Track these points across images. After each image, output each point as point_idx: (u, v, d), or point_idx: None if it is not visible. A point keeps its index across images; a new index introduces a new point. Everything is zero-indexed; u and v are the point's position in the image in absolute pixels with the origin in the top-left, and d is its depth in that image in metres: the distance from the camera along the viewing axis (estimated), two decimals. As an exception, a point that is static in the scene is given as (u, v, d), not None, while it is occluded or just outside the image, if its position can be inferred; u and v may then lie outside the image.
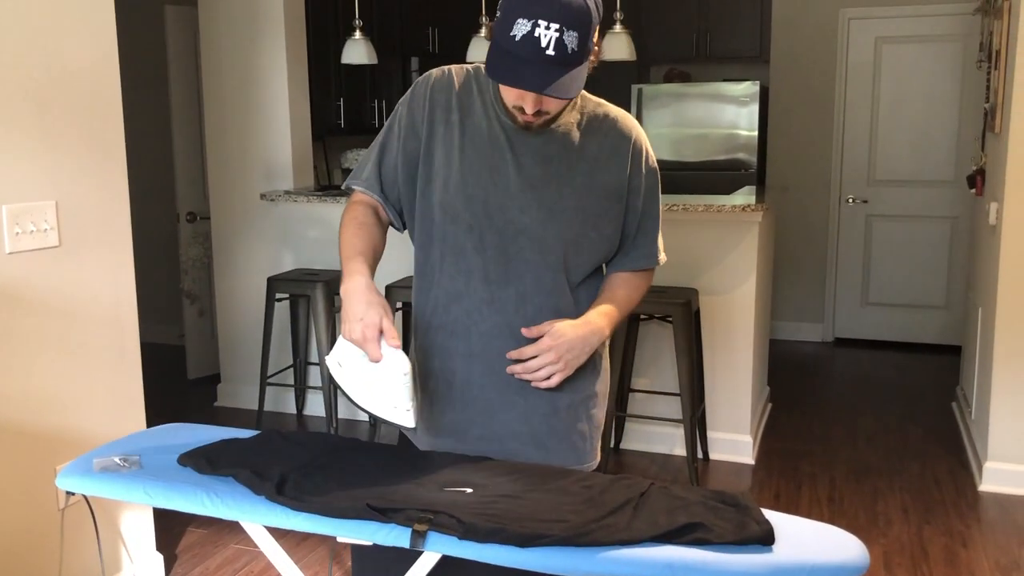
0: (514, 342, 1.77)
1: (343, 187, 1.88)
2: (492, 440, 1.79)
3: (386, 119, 6.06)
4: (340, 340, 1.69)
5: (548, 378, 1.74)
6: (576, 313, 1.81)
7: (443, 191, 1.76)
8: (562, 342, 1.73)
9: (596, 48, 1.64)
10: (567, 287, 1.81)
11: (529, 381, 1.76)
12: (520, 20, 1.54)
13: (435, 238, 1.79)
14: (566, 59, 1.56)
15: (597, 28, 1.62)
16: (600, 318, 1.80)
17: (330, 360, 1.68)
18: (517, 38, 1.55)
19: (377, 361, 1.61)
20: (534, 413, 1.81)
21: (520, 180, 1.75)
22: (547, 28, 1.53)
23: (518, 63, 1.56)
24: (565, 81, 1.57)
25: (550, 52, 1.54)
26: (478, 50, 4.86)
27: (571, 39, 1.55)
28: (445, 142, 1.77)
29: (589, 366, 1.85)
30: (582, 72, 1.61)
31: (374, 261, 1.76)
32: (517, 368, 1.74)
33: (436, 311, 1.82)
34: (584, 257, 1.82)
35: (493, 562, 1.41)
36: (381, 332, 1.61)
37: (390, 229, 1.89)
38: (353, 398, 1.64)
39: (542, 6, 1.53)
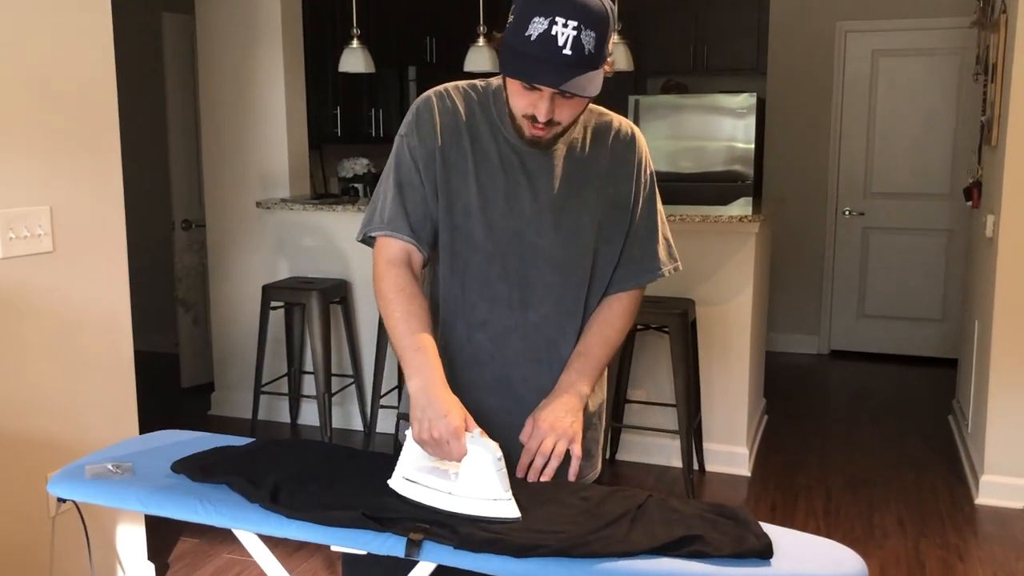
0: (537, 366, 1.76)
1: (358, 239, 1.77)
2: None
3: (383, 128, 6.11)
4: (403, 455, 1.58)
5: (566, 455, 1.68)
6: None
7: (463, 218, 1.72)
8: (544, 426, 1.68)
9: (610, 58, 1.60)
10: (588, 306, 1.79)
11: (565, 476, 1.69)
12: (536, 19, 1.50)
13: (456, 267, 1.74)
14: (583, 60, 1.52)
15: (612, 35, 1.58)
16: (571, 382, 1.75)
17: (395, 482, 1.56)
18: (533, 37, 1.50)
19: (461, 457, 1.52)
20: None
21: (536, 204, 1.71)
22: (564, 26, 1.49)
23: (534, 62, 1.52)
24: (582, 80, 1.53)
25: (567, 52, 1.50)
26: (475, 59, 4.86)
27: (588, 39, 1.51)
28: (459, 169, 1.71)
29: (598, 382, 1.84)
30: (599, 75, 1.57)
31: (434, 343, 1.67)
32: (537, 474, 1.66)
33: (461, 345, 1.77)
34: (600, 271, 1.79)
35: (488, 572, 1.39)
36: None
37: None
38: (441, 508, 1.49)
39: (560, 3, 1.49)
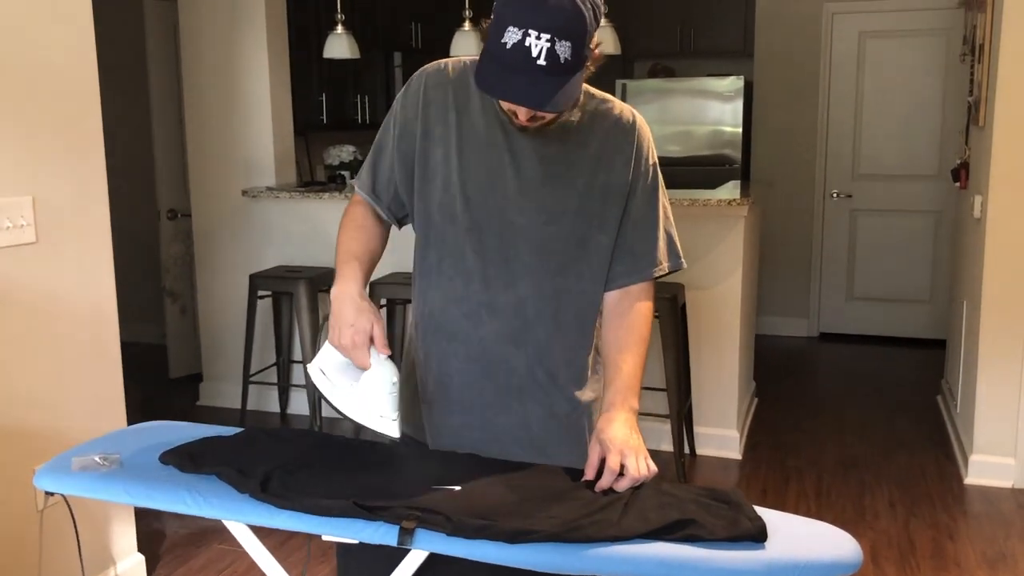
0: (512, 347, 1.73)
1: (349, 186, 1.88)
2: (491, 443, 1.73)
3: (369, 115, 6.08)
4: (325, 347, 1.66)
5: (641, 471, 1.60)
6: (580, 319, 1.77)
7: (442, 192, 1.71)
8: (617, 445, 1.59)
9: (595, 52, 1.56)
10: (572, 292, 1.75)
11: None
12: (511, 28, 1.46)
13: (433, 239, 1.74)
14: (558, 69, 1.48)
15: (594, 34, 1.53)
16: (621, 397, 1.69)
17: (312, 368, 1.65)
18: (508, 46, 1.47)
19: (365, 368, 1.59)
20: (533, 419, 1.76)
21: (518, 182, 1.69)
22: (538, 38, 1.45)
23: (508, 73, 1.48)
24: (558, 94, 1.50)
25: (541, 63, 1.46)
26: (461, 44, 4.83)
27: (563, 49, 1.46)
28: (443, 142, 1.71)
29: (594, 376, 1.82)
30: (577, 81, 1.53)
31: (369, 265, 1.73)
32: (610, 485, 1.58)
33: (433, 314, 1.76)
34: (595, 261, 1.75)
35: (482, 559, 1.38)
36: (371, 340, 1.60)
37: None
38: (336, 406, 1.61)
39: (533, 14, 1.45)
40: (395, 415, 1.59)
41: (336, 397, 1.61)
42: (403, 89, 1.79)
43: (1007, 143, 3.68)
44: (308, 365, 1.68)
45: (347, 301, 1.63)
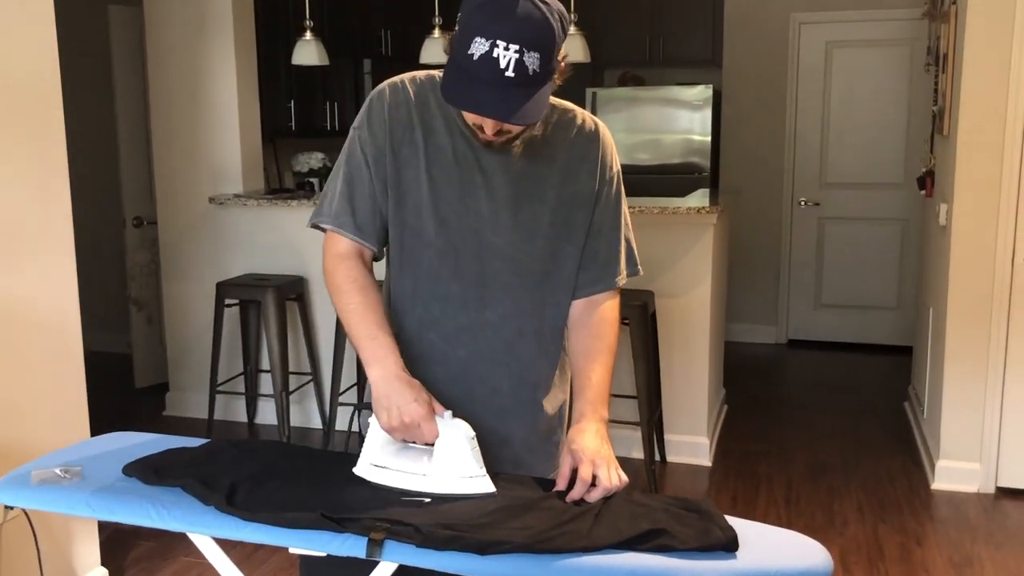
0: (493, 366, 1.72)
1: (309, 224, 1.75)
2: None
3: (339, 122, 6.04)
4: (369, 440, 1.59)
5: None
6: (558, 330, 1.77)
7: (415, 215, 1.67)
8: (588, 456, 1.58)
9: (561, 65, 1.55)
10: (548, 305, 1.74)
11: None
12: (478, 39, 1.44)
13: (407, 264, 1.71)
14: (527, 81, 1.46)
15: (561, 45, 1.52)
16: (592, 407, 1.69)
17: (362, 471, 1.58)
18: (475, 57, 1.45)
19: (433, 440, 1.54)
20: (514, 437, 1.76)
21: (492, 202, 1.67)
22: (506, 49, 1.43)
23: (476, 85, 1.47)
24: (527, 106, 1.48)
25: (509, 74, 1.44)
26: (431, 52, 4.82)
27: (532, 60, 1.45)
28: (411, 164, 1.67)
29: (559, 379, 1.81)
30: (545, 93, 1.52)
31: (392, 333, 1.66)
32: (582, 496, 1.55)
33: (411, 341, 1.73)
34: (566, 271, 1.75)
35: (452, 571, 1.37)
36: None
37: None
38: (414, 489, 1.52)
39: (501, 26, 1.43)
40: (483, 470, 1.53)
41: (412, 482, 1.53)
42: (364, 115, 1.71)
43: (971, 152, 3.73)
44: (356, 469, 1.59)
45: (395, 380, 1.58)
